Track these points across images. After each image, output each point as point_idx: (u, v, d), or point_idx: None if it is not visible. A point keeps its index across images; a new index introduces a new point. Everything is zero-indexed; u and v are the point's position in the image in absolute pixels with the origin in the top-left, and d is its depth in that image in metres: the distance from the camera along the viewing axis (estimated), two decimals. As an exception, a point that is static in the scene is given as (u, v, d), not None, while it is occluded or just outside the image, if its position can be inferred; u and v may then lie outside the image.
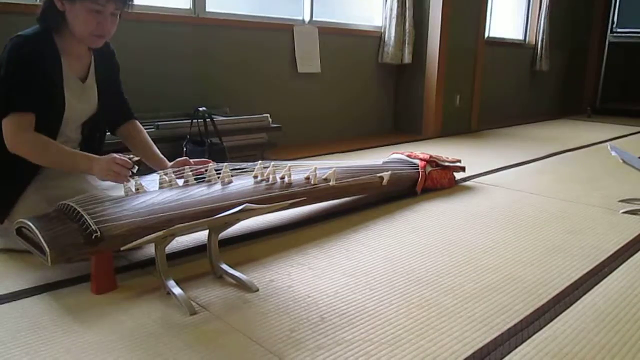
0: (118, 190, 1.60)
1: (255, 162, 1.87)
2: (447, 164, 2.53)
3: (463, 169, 2.63)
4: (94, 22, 1.53)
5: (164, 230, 1.28)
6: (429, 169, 2.44)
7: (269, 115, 2.95)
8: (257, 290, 1.40)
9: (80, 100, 1.65)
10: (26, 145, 1.51)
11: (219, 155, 2.43)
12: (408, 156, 2.51)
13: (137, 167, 1.55)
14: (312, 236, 1.83)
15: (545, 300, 1.38)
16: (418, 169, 2.41)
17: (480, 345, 1.16)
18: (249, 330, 1.20)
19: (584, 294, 1.43)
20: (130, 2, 1.58)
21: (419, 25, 4.16)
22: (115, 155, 1.52)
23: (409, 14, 4.03)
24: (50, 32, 1.56)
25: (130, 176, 1.55)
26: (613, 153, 2.32)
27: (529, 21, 5.66)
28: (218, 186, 1.69)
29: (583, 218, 2.10)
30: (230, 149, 2.59)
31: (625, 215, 2.16)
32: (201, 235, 1.74)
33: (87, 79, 1.68)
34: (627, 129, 4.96)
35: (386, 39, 4.07)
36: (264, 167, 1.84)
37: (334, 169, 2.02)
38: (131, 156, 1.57)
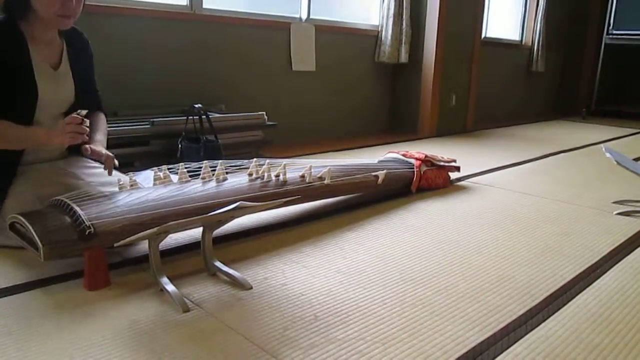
0: (112, 187, 1.59)
1: (250, 160, 1.87)
2: (442, 163, 2.54)
3: (458, 168, 2.63)
4: (58, 2, 1.51)
5: (158, 227, 1.28)
6: (424, 168, 2.44)
7: (264, 112, 2.95)
8: (251, 288, 1.40)
9: (55, 88, 1.64)
10: None
11: (214, 152, 2.43)
12: (403, 155, 2.51)
13: (87, 121, 1.53)
14: (306, 234, 1.83)
15: (538, 301, 1.38)
16: (413, 168, 2.41)
17: (473, 344, 1.17)
18: (242, 328, 1.20)
19: (577, 295, 1.43)
20: None
21: (415, 25, 4.16)
22: (64, 119, 1.50)
23: (406, 13, 4.03)
24: (15, 19, 1.55)
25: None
26: (607, 155, 2.33)
27: (525, 22, 5.67)
28: (212, 183, 1.68)
29: (577, 219, 2.11)
30: (225, 146, 2.58)
31: (619, 216, 2.17)
32: (195, 233, 1.74)
33: (60, 67, 1.66)
34: (622, 130, 4.98)
35: (383, 38, 4.07)
36: (259, 165, 1.84)
37: (329, 167, 2.02)
38: (78, 111, 1.55)
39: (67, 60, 1.69)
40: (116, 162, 1.66)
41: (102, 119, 1.84)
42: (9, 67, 1.52)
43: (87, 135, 1.54)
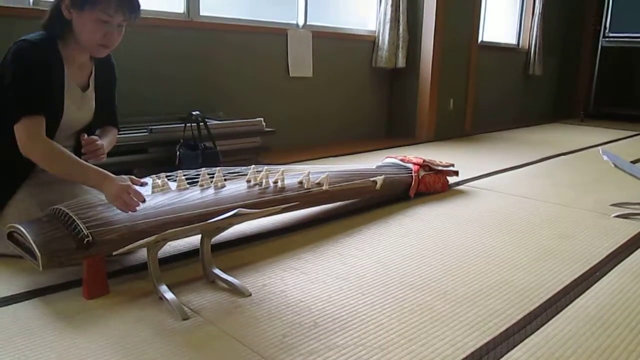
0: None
1: (249, 167, 1.87)
2: (440, 168, 2.54)
3: (456, 173, 2.64)
4: (101, 32, 1.52)
5: (157, 235, 1.28)
6: (422, 173, 2.44)
7: (262, 119, 2.95)
8: (250, 295, 1.40)
9: (79, 109, 1.65)
10: (41, 152, 1.49)
11: (213, 159, 2.43)
12: (401, 160, 2.52)
13: (145, 202, 1.52)
14: (305, 241, 1.83)
15: (536, 305, 1.38)
16: (411, 173, 2.41)
17: (473, 349, 1.17)
18: (241, 335, 1.20)
19: (576, 298, 1.43)
20: (138, 14, 1.58)
21: (412, 30, 4.17)
22: (130, 182, 1.47)
23: (402, 18, 4.04)
24: (55, 39, 1.56)
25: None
26: (605, 157, 2.33)
27: (522, 26, 5.70)
28: (211, 191, 1.68)
29: (575, 222, 2.11)
30: (223, 153, 2.58)
31: (617, 219, 2.17)
32: (194, 240, 1.74)
33: (87, 89, 1.68)
34: (620, 133, 4.99)
35: (380, 43, 4.08)
36: (257, 172, 1.84)
37: (327, 173, 2.03)
38: (144, 182, 1.55)
39: (94, 82, 1.70)
40: (102, 156, 1.66)
41: (113, 131, 1.85)
42: (46, 83, 1.52)
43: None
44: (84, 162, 1.55)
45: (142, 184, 1.55)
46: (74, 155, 1.53)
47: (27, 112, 1.48)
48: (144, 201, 1.47)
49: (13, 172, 1.58)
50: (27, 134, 1.48)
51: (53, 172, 1.53)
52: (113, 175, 1.48)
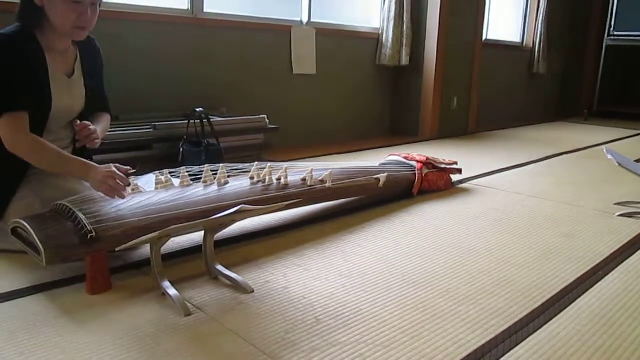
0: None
1: (252, 163, 1.87)
2: (443, 166, 2.54)
3: (460, 171, 2.63)
4: (74, 14, 1.51)
5: (160, 231, 1.28)
6: (425, 171, 2.44)
7: (266, 116, 2.95)
8: (253, 291, 1.40)
9: (68, 96, 1.64)
10: (24, 147, 1.50)
11: (216, 156, 2.43)
12: (405, 158, 2.51)
13: (130, 185, 1.53)
14: (308, 237, 1.83)
15: (539, 303, 1.38)
16: (414, 170, 2.41)
17: (475, 347, 1.16)
18: (244, 331, 1.20)
19: (579, 296, 1.43)
20: None
21: (416, 27, 4.16)
22: (114, 168, 1.48)
23: (406, 15, 4.03)
24: (32, 29, 1.55)
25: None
26: (609, 156, 2.32)
27: (526, 24, 5.67)
28: (214, 187, 1.69)
29: (579, 221, 2.11)
30: (227, 149, 2.59)
31: (621, 218, 2.16)
32: (197, 236, 1.74)
33: (73, 75, 1.67)
34: (624, 132, 4.98)
35: (384, 40, 4.07)
36: (261, 168, 1.84)
37: (330, 170, 2.02)
38: (128, 168, 1.56)
39: (80, 67, 1.69)
40: (97, 141, 1.66)
41: (106, 117, 1.85)
42: (28, 76, 1.52)
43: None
44: (69, 154, 1.55)
45: (127, 172, 1.55)
46: (58, 148, 1.54)
47: (8, 109, 1.48)
48: (129, 185, 1.48)
49: (12, 170, 1.58)
50: (10, 131, 1.49)
51: (39, 166, 1.55)
52: (97, 165, 1.50)
